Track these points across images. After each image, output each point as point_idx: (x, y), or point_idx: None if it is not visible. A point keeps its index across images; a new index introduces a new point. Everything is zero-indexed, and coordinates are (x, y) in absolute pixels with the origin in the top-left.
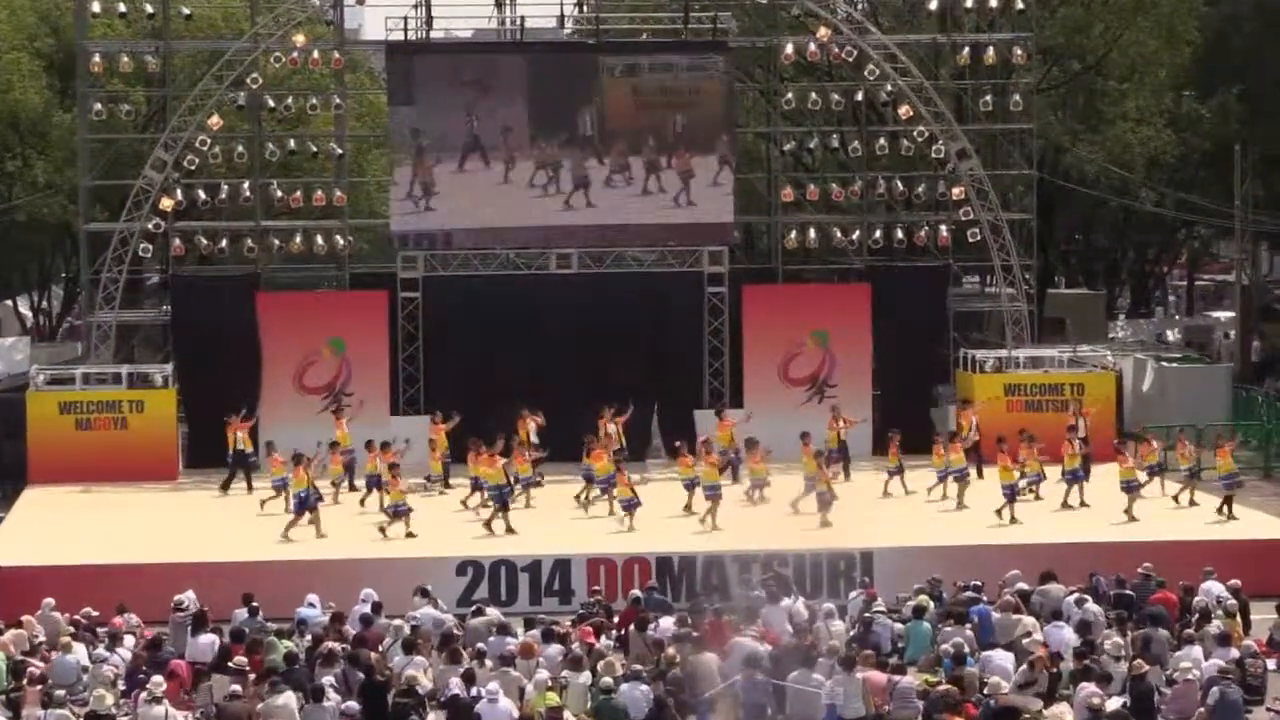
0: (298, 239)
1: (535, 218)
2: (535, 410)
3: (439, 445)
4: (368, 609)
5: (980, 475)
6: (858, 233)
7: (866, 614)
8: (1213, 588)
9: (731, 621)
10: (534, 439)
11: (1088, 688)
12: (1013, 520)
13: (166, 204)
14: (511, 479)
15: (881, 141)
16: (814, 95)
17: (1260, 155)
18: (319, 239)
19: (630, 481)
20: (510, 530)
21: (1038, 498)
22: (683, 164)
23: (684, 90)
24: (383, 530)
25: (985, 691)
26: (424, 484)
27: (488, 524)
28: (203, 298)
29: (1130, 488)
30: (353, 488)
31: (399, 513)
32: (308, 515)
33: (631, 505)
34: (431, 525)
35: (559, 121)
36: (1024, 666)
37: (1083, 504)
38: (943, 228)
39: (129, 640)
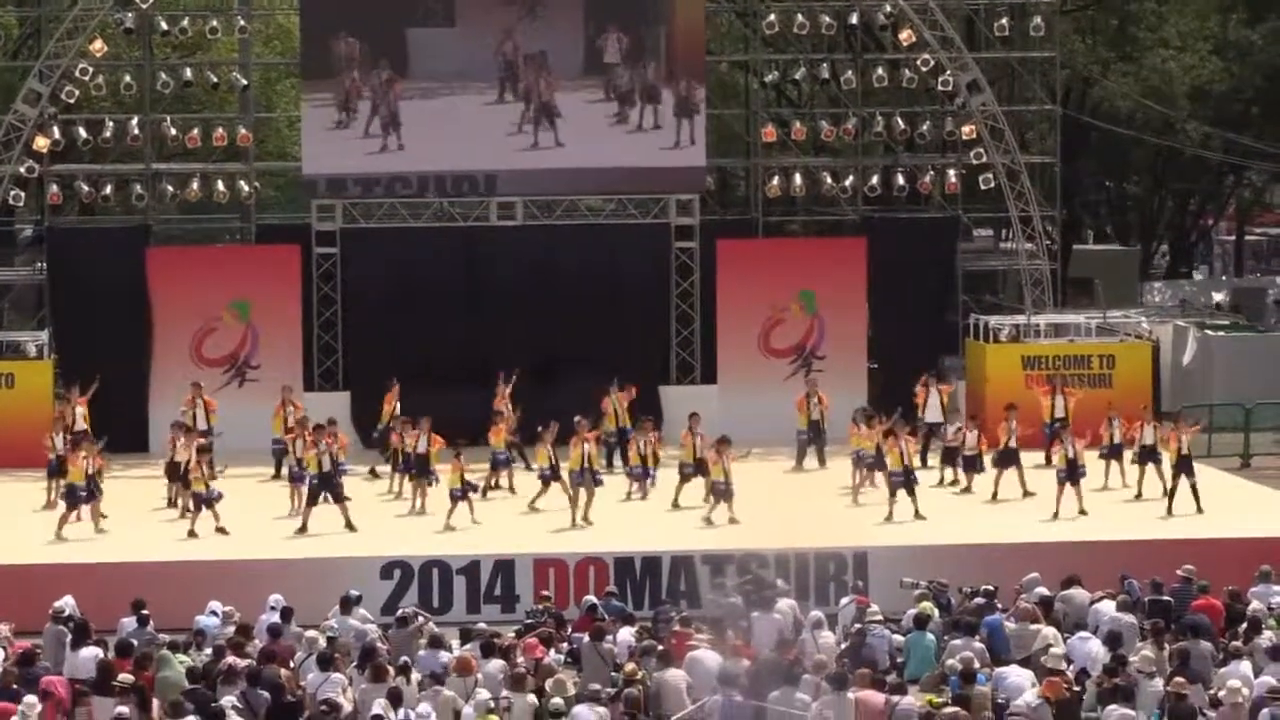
0: (195, 184)
1: (479, 160)
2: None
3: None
4: (276, 617)
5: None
6: (851, 178)
7: (860, 624)
8: (1268, 592)
9: (698, 631)
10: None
11: (1118, 710)
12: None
13: (41, 143)
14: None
15: (879, 72)
16: (800, 17)
17: None
18: (220, 184)
19: (462, 466)
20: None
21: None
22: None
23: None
24: (192, 533)
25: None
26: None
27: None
28: (84, 253)
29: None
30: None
31: (206, 501)
32: (76, 511)
33: (459, 496)
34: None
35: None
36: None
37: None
38: (951, 172)
39: None
